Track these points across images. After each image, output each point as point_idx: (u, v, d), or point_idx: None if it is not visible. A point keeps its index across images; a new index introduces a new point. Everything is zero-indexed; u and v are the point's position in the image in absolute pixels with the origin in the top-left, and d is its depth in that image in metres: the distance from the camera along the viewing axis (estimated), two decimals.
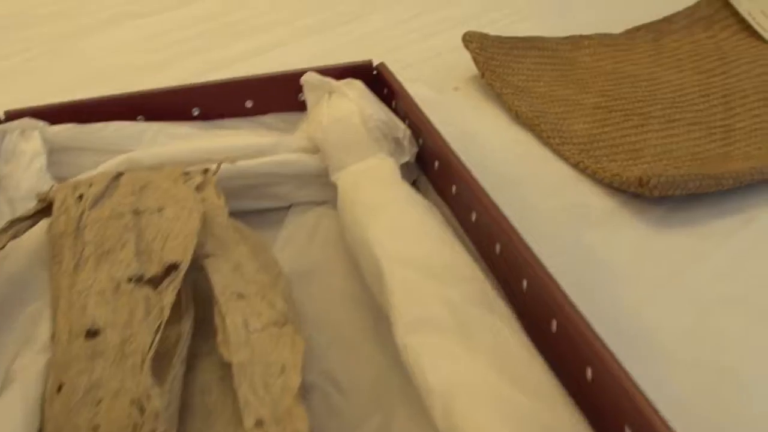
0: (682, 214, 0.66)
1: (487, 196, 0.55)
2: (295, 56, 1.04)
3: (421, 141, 0.67)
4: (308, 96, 0.74)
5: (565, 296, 0.45)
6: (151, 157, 0.69)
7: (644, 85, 0.88)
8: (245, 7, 1.25)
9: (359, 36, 1.09)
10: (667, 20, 1.04)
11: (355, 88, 0.72)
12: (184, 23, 1.20)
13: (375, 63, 0.78)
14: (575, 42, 0.97)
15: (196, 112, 0.77)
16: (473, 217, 0.56)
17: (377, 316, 0.55)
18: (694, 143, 0.76)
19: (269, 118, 0.78)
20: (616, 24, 1.04)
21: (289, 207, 0.71)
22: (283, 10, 1.22)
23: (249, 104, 0.77)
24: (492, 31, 1.05)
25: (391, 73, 0.74)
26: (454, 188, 0.60)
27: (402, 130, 0.67)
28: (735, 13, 1.04)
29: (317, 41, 1.09)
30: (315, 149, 0.70)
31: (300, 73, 0.75)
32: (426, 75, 0.95)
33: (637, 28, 1.02)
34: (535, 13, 1.12)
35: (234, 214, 0.61)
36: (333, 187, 0.66)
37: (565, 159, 0.75)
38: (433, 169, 0.65)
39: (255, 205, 0.70)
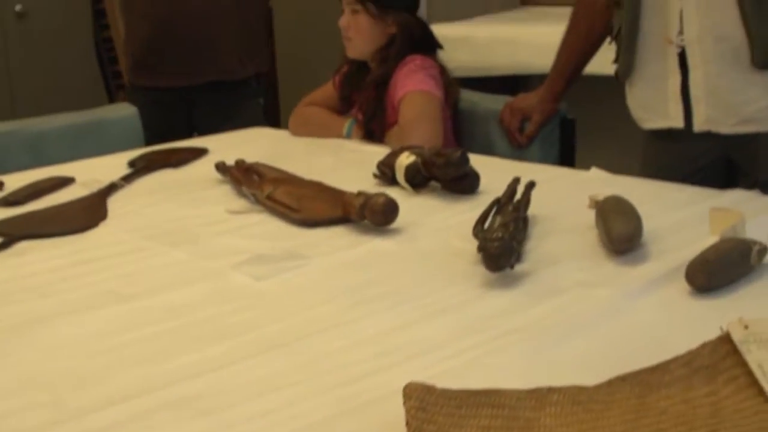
0: None
1: None
2: (239, 377, 0.96)
3: None
4: None
5: None
6: None
7: None
8: (230, 300, 1.18)
9: (310, 359, 1.00)
10: (662, 369, 0.90)
11: None
12: (150, 316, 1.14)
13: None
14: (541, 397, 0.84)
15: None
16: None
17: None
18: None
19: None
20: (608, 362, 0.91)
21: None
22: (257, 309, 1.14)
23: None
24: (459, 363, 0.95)
25: None
26: None
27: None
28: (743, 363, 0.90)
29: (275, 356, 1.01)
30: None
31: None
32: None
33: (623, 378, 0.89)
34: (516, 341, 1.00)
35: None
36: None
37: None
38: None
39: None
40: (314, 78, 2.37)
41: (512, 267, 1.17)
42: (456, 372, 0.94)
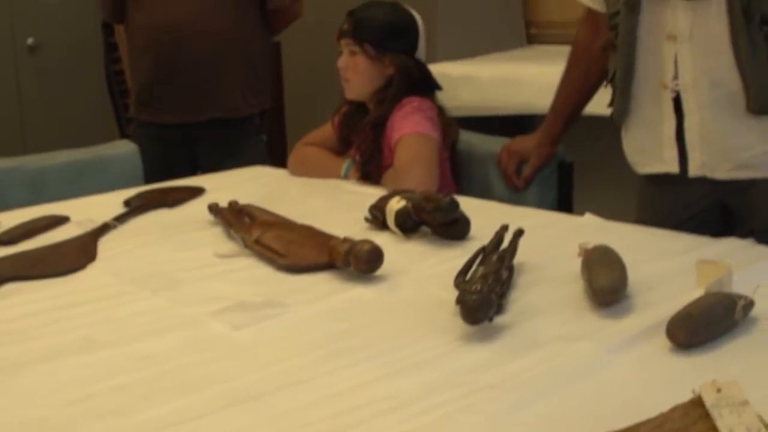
0: None
1: None
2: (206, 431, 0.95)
3: None
4: None
5: None
6: None
7: None
8: (205, 349, 1.17)
9: (279, 414, 0.98)
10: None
11: None
12: (124, 364, 1.13)
13: None
14: None
15: None
16: None
17: None
18: None
19: None
20: (581, 422, 0.92)
21: None
22: (231, 359, 1.13)
23: None
24: (428, 421, 0.94)
25: None
26: None
27: None
28: (714, 428, 0.88)
29: (244, 410, 0.99)
30: None
31: None
32: None
33: None
34: (488, 399, 0.99)
35: None
36: None
37: None
38: None
39: None
40: (322, 115, 2.36)
41: (491, 320, 1.15)
42: (425, 430, 0.93)
